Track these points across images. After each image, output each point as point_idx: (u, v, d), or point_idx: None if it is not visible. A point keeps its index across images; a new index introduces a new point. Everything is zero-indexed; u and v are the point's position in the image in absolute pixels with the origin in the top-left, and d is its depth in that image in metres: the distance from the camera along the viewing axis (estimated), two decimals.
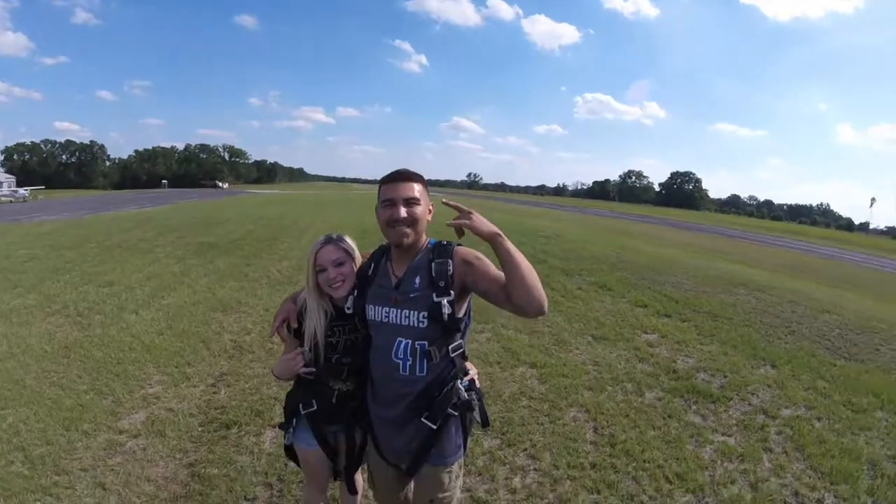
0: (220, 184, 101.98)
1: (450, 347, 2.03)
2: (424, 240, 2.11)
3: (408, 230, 1.98)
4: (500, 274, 1.89)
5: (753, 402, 4.90)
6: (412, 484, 2.28)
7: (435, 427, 2.05)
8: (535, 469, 3.65)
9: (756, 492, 3.53)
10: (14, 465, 3.45)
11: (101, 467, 3.45)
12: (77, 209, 27.66)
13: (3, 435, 3.79)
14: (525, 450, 3.88)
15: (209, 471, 3.43)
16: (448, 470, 2.14)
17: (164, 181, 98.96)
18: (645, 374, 5.42)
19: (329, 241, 2.21)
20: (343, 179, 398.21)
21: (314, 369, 2.23)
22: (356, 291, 2.14)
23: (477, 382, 2.20)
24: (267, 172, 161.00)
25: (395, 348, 2.02)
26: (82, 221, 19.16)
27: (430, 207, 2.08)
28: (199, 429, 3.97)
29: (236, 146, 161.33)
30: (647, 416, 4.51)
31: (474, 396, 2.14)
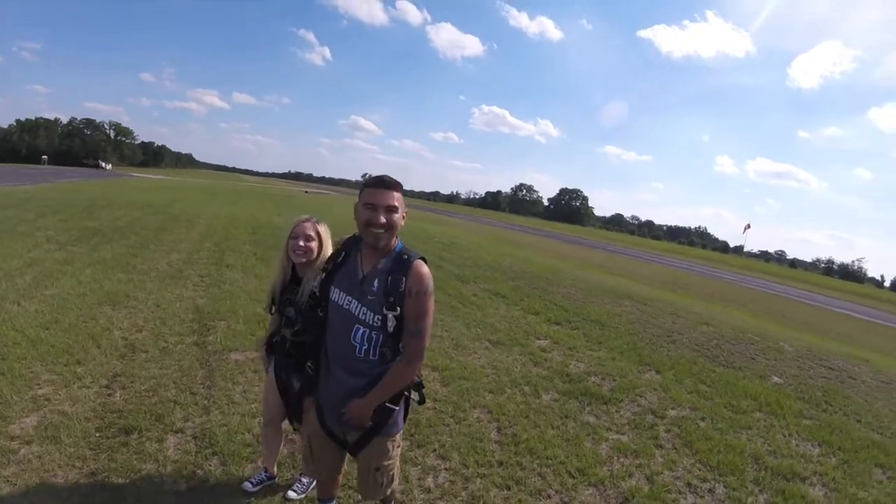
0: (104, 164, 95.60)
1: (398, 341, 2.29)
2: (395, 241, 2.32)
3: (384, 234, 2.21)
4: (413, 327, 2.22)
5: (642, 403, 5.31)
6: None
7: (396, 408, 2.37)
8: (445, 468, 3.76)
9: (652, 484, 3.85)
10: None
11: None
12: None
13: None
14: (434, 450, 3.98)
15: (114, 480, 3.20)
16: (392, 440, 2.47)
17: (44, 157, 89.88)
18: (540, 378, 5.69)
19: (309, 219, 2.78)
20: (234, 169, 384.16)
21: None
22: (324, 274, 2.44)
23: None
24: (154, 156, 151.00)
25: (353, 333, 2.27)
26: None
27: (405, 213, 2.30)
28: (97, 434, 3.65)
29: (124, 124, 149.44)
30: (546, 416, 4.76)
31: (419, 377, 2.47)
